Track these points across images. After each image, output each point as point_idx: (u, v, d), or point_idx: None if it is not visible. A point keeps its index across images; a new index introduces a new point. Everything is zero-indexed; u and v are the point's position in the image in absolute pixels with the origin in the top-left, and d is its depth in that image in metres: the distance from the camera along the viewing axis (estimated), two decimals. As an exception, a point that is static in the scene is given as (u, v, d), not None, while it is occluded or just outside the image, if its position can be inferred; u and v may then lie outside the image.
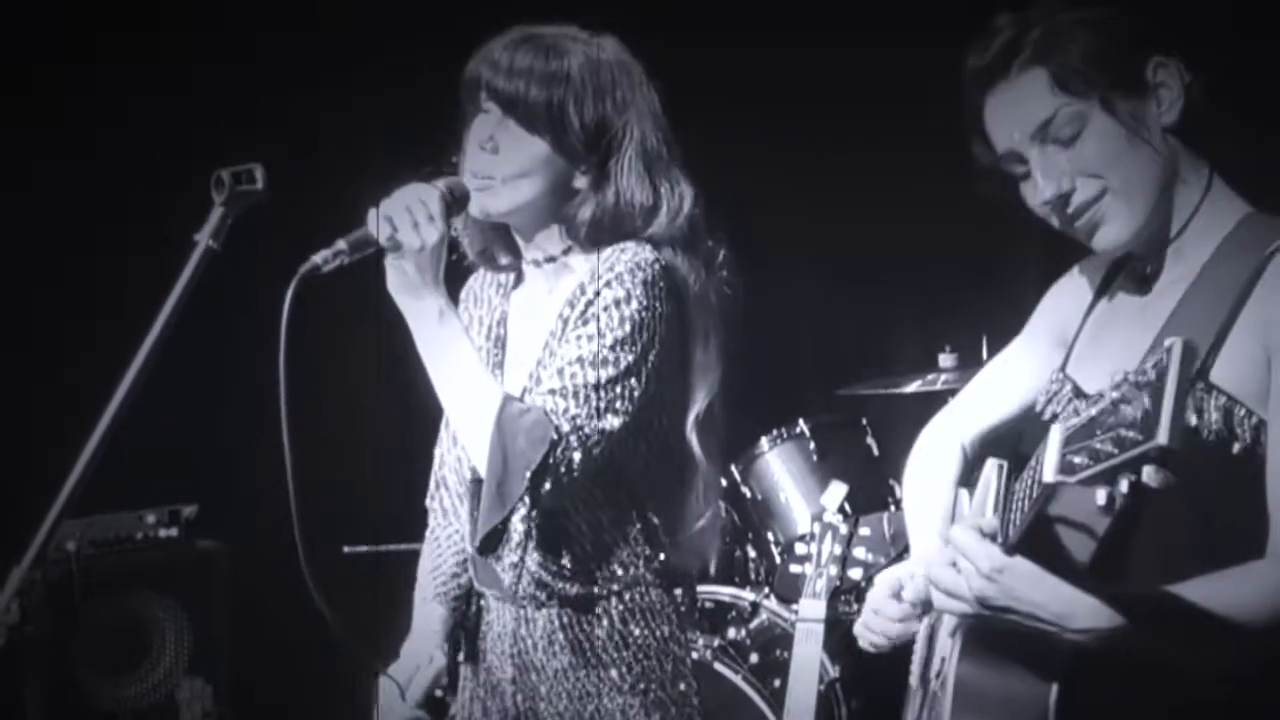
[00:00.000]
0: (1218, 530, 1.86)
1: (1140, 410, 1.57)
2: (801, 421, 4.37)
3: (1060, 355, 2.16)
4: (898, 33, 4.77)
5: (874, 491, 4.22)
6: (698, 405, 2.40)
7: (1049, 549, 1.86)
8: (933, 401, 4.33)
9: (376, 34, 4.71)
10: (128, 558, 3.94)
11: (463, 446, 2.41)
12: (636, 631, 2.41)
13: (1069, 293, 2.22)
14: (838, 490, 3.83)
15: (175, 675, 3.98)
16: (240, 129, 4.40)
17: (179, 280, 2.00)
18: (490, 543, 2.34)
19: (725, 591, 4.24)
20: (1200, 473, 1.81)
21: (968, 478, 2.28)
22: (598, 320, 2.31)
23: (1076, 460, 1.63)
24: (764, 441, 4.38)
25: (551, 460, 2.24)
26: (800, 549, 3.77)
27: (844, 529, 3.73)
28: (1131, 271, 2.10)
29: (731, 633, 4.18)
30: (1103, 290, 2.14)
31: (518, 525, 2.35)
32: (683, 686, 2.44)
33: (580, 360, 2.29)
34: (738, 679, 3.90)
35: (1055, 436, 1.67)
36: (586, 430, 2.27)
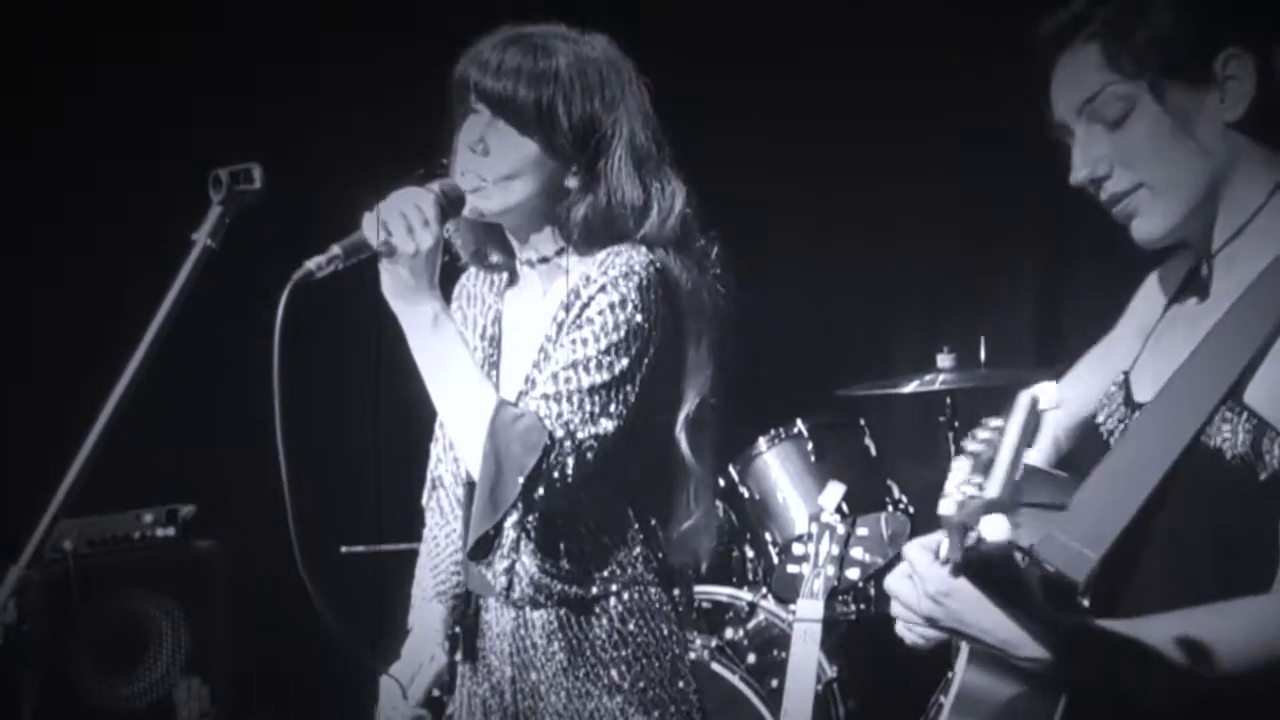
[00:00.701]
0: (1237, 557, 1.78)
1: (988, 458, 1.57)
2: (799, 421, 4.37)
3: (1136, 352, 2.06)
4: (899, 33, 4.78)
5: (872, 492, 4.23)
6: (689, 405, 2.40)
7: (1006, 574, 1.79)
8: (930, 402, 4.34)
9: (377, 33, 4.72)
10: (125, 557, 3.93)
11: (457, 452, 2.41)
12: (635, 630, 2.40)
13: (1154, 286, 2.10)
14: (835, 490, 3.83)
15: (172, 675, 3.98)
16: (240, 129, 4.40)
17: (177, 280, 2.00)
18: (482, 548, 2.34)
19: (723, 591, 4.25)
20: (1221, 497, 1.77)
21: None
22: (592, 324, 2.30)
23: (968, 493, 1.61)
24: (762, 441, 4.38)
25: (545, 466, 2.24)
26: (798, 549, 3.77)
27: (841, 529, 3.73)
28: (1194, 274, 2.00)
29: (729, 633, 4.18)
30: (1180, 289, 2.03)
31: (510, 531, 2.35)
32: (681, 685, 2.44)
33: (574, 365, 2.29)
34: (735, 679, 3.90)
35: (960, 465, 1.64)
36: (580, 435, 2.27)
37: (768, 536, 4.35)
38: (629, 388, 2.30)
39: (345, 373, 4.75)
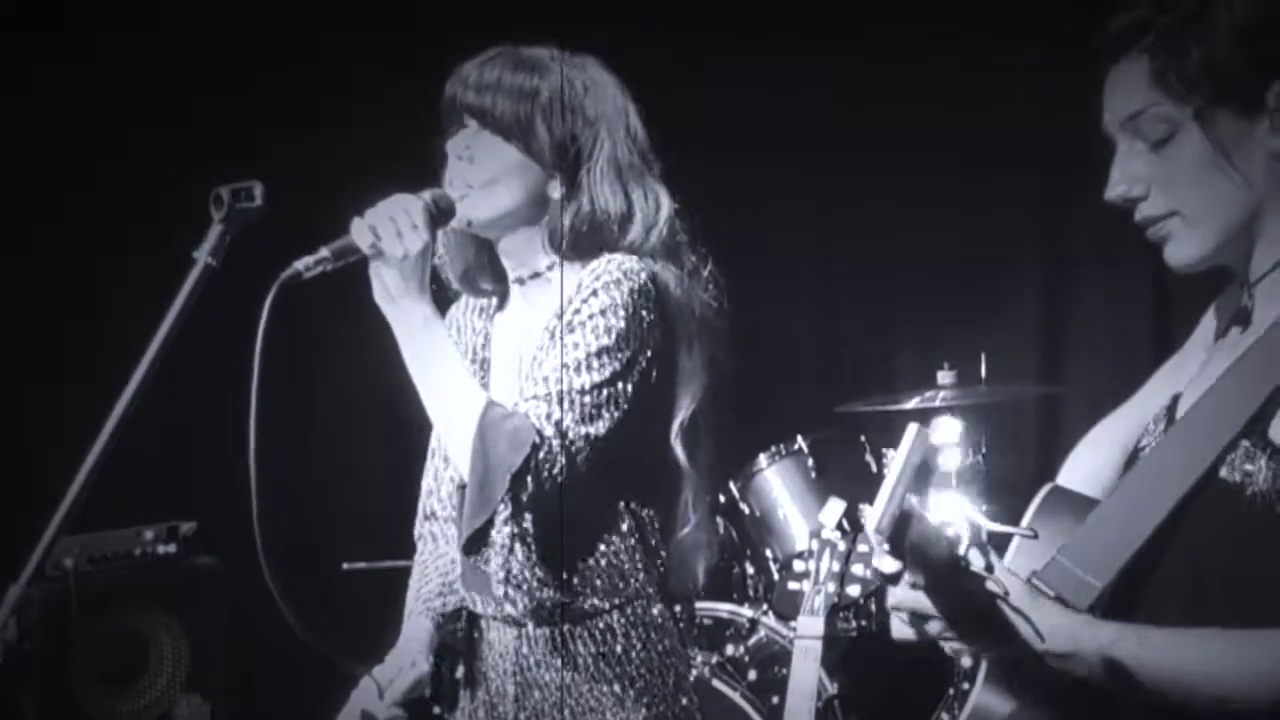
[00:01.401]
0: (1251, 595, 1.75)
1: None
2: (800, 438, 4.37)
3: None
4: (899, 58, 4.79)
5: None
6: (682, 413, 2.41)
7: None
8: (931, 418, 4.34)
9: (377, 33, 4.72)
10: (126, 574, 3.93)
11: (447, 452, 2.42)
12: (638, 646, 2.41)
13: (1221, 305, 2.04)
14: (836, 507, 3.80)
15: (173, 692, 3.97)
16: (240, 130, 4.41)
17: (178, 297, 2.01)
18: (474, 544, 2.35)
19: (723, 608, 4.24)
20: (1237, 533, 1.75)
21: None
22: (584, 328, 2.32)
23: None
24: (762, 458, 4.38)
25: (533, 464, 2.25)
26: (798, 566, 3.74)
27: (842, 546, 3.71)
28: (1240, 302, 1.96)
29: (730, 649, 4.17)
30: (1232, 315, 1.98)
31: (501, 528, 2.34)
32: (685, 701, 2.45)
33: (565, 367, 2.31)
34: (736, 695, 3.90)
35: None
36: (570, 435, 2.28)
37: (768, 553, 4.35)
38: (621, 391, 2.32)
39: (348, 391, 4.76)
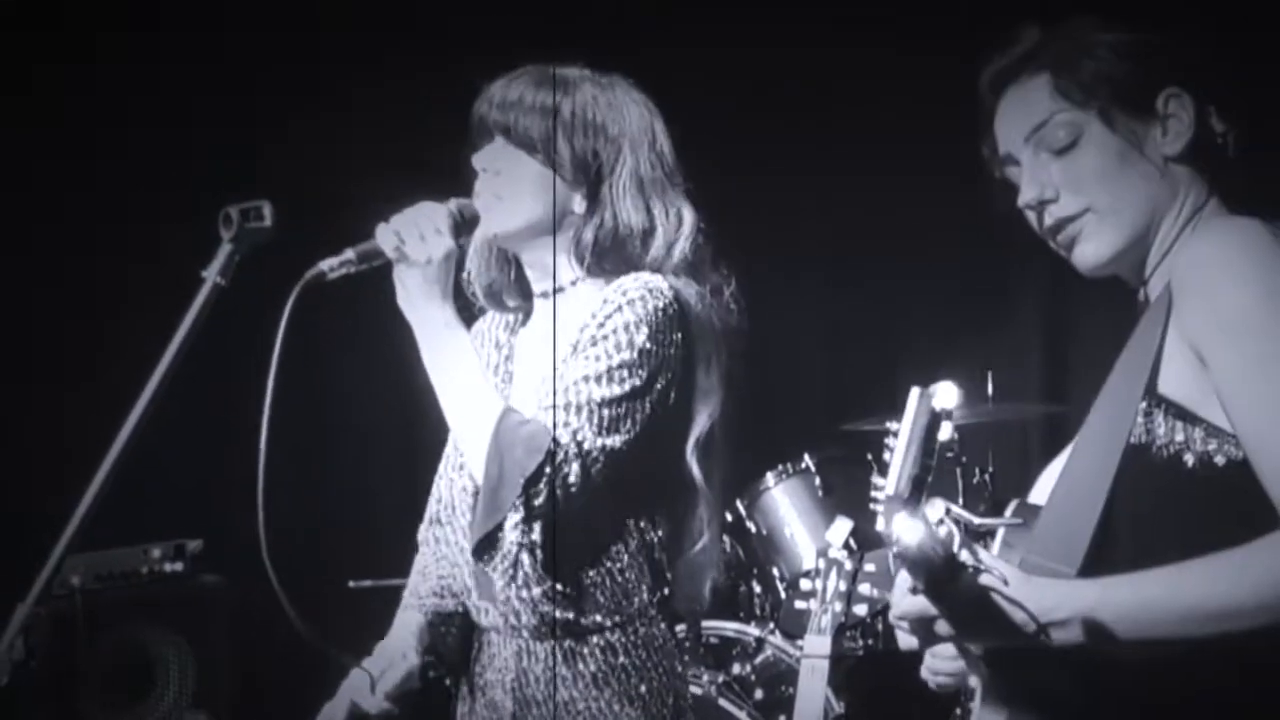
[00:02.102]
0: (1199, 545, 1.78)
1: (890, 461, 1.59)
2: (807, 457, 4.37)
3: None
4: (902, 75, 4.79)
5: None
6: (698, 429, 2.42)
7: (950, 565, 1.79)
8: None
9: (378, 34, 4.72)
10: (132, 592, 3.93)
11: (463, 456, 2.43)
12: (641, 665, 2.40)
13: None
14: (843, 526, 3.83)
15: (179, 710, 3.97)
16: (240, 130, 4.42)
17: (186, 317, 2.01)
18: (483, 549, 2.36)
19: (730, 626, 4.24)
20: (1164, 490, 1.81)
21: None
22: (606, 341, 2.34)
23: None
24: (769, 477, 4.38)
25: (547, 470, 2.26)
26: (805, 585, 3.77)
27: (849, 565, 3.73)
28: (1140, 303, 2.04)
29: (736, 668, 4.17)
30: (1139, 309, 2.07)
31: (511, 534, 2.34)
32: (686, 721, 2.44)
33: (586, 378, 2.32)
34: (742, 715, 3.90)
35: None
36: (587, 446, 2.29)
37: (775, 572, 4.35)
38: (640, 406, 2.33)
39: (365, 409, 4.77)
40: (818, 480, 4.33)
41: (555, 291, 2.49)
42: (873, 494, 1.65)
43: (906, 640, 1.95)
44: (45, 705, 3.63)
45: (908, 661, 2.16)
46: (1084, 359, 4.80)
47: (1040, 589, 1.78)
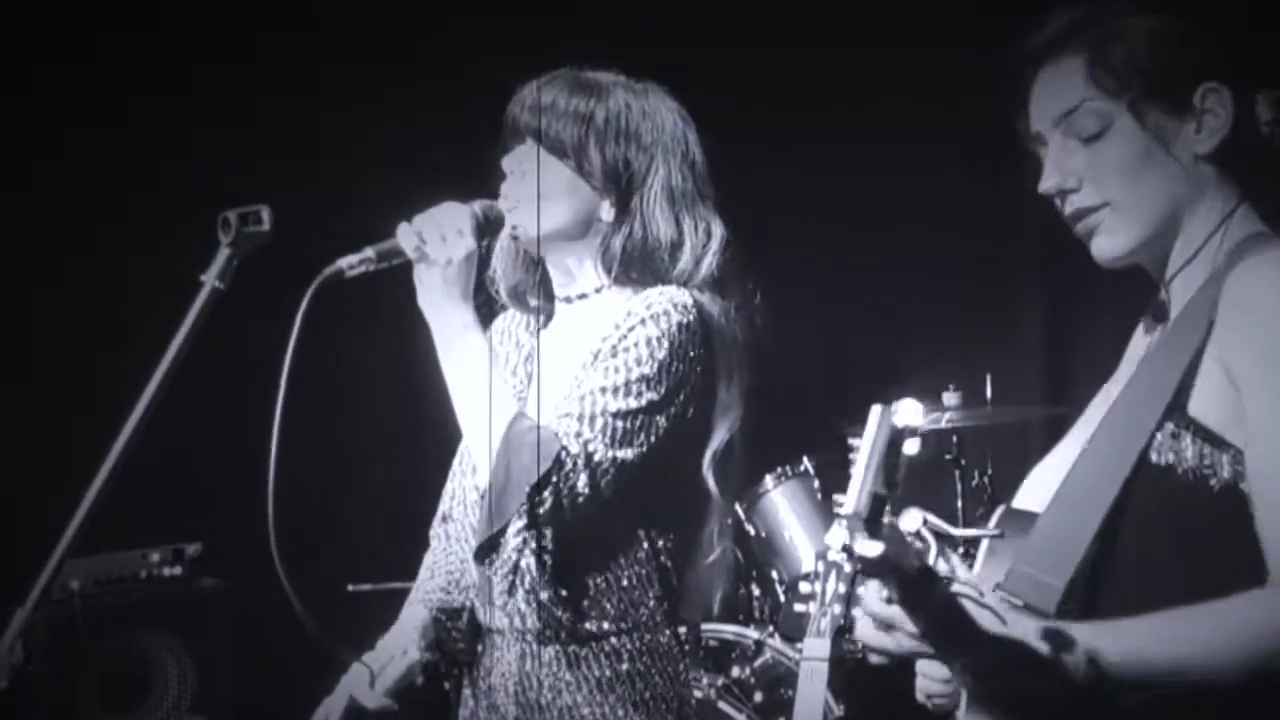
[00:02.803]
0: (1203, 570, 1.78)
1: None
2: (806, 460, 4.37)
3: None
4: (902, 74, 4.79)
5: (878, 530, 4.21)
6: (716, 443, 2.41)
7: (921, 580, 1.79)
8: (937, 440, 4.33)
9: (378, 34, 4.72)
10: (131, 596, 3.93)
11: (474, 459, 2.42)
12: (645, 671, 2.40)
13: (1147, 320, 2.08)
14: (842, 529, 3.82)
15: (178, 714, 3.97)
16: (240, 130, 4.42)
17: (185, 322, 2.01)
18: (486, 551, 2.35)
19: (729, 630, 4.24)
20: (1179, 512, 1.79)
21: None
22: (627, 353, 2.33)
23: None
24: (769, 479, 4.38)
25: (554, 479, 2.25)
26: (804, 587, 3.71)
27: (849, 568, 3.71)
28: (1159, 302, 2.01)
29: (736, 671, 4.16)
30: (1152, 317, 2.04)
31: (513, 538, 2.33)
32: (688, 727, 2.43)
33: (603, 389, 2.31)
34: (742, 718, 3.89)
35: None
36: (598, 458, 2.28)
37: (774, 574, 4.35)
38: (656, 421, 2.32)
39: (370, 414, 4.76)
40: (817, 483, 4.33)
41: (579, 298, 2.48)
42: (834, 510, 1.64)
43: (876, 637, 1.98)
44: (44, 709, 3.63)
45: (907, 664, 2.16)
46: (1084, 362, 4.80)
47: (1020, 625, 1.74)
